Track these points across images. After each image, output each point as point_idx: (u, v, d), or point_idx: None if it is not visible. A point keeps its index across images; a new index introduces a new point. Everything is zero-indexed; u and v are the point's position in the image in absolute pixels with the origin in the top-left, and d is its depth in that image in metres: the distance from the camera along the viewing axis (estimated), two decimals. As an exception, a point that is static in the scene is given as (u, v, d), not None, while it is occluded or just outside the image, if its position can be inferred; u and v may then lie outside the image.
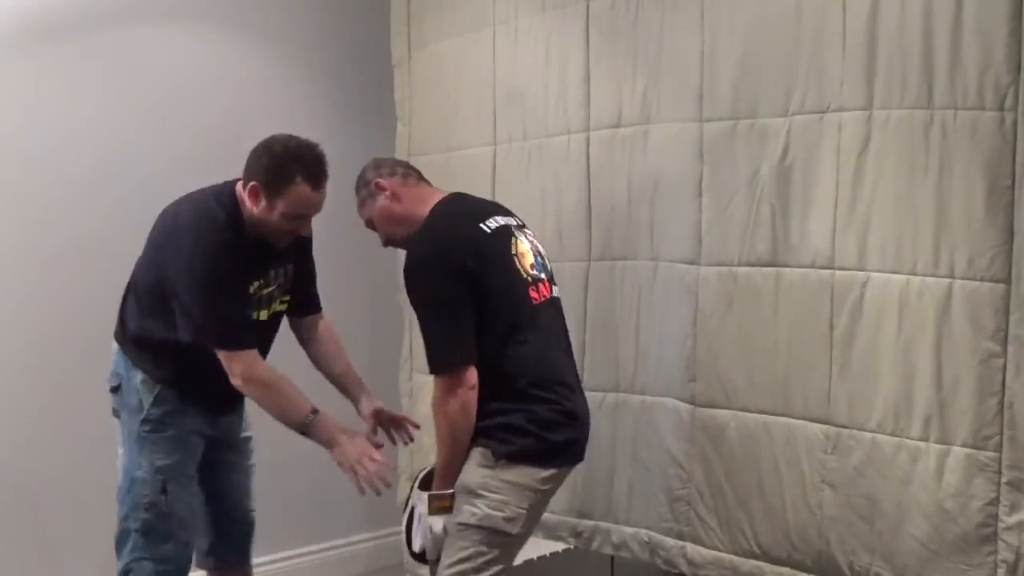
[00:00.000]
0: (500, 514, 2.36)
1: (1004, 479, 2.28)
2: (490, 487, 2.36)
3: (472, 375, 2.36)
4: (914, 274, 2.39)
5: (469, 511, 2.37)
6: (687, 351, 2.84)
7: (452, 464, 2.40)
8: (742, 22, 2.69)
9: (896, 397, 2.43)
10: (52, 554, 3.31)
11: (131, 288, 2.68)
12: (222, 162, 3.55)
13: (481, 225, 2.47)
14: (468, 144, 3.47)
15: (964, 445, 2.33)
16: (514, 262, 2.47)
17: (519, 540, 2.46)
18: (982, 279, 2.29)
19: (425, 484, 2.49)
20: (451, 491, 2.40)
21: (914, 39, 2.36)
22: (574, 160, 3.12)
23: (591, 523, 3.10)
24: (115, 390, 2.67)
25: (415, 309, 2.45)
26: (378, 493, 2.53)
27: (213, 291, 2.48)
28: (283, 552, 3.68)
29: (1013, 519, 2.27)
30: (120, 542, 2.62)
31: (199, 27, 3.57)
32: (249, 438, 2.85)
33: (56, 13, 3.27)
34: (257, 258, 2.60)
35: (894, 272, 2.43)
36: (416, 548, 2.50)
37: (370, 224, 2.64)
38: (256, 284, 2.61)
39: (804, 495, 2.61)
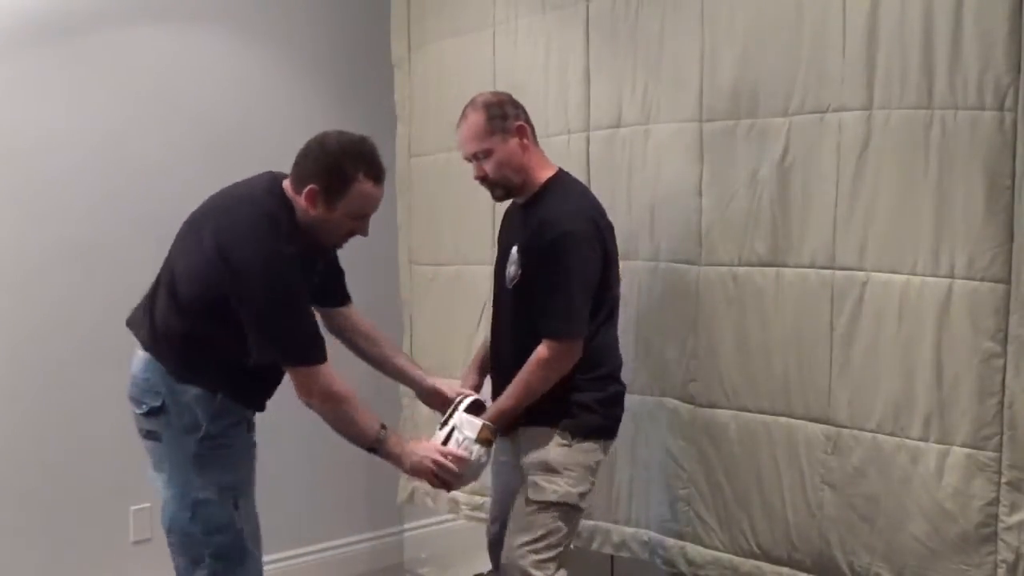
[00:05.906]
0: (576, 490, 2.54)
1: (1004, 479, 2.28)
2: (568, 465, 2.53)
3: (580, 350, 2.51)
4: (914, 274, 2.39)
5: (551, 488, 2.52)
6: (687, 351, 2.84)
7: (518, 409, 2.53)
8: (742, 22, 2.69)
9: (896, 397, 2.43)
10: (48, 553, 3.32)
11: (169, 287, 2.36)
12: (222, 162, 3.57)
13: (608, 217, 2.63)
14: (468, 144, 3.47)
15: (964, 445, 2.33)
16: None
17: (582, 514, 2.64)
18: (982, 279, 2.29)
19: (470, 412, 2.56)
20: (497, 427, 2.53)
21: (914, 39, 2.36)
22: (574, 160, 3.11)
23: (591, 523, 3.09)
24: (155, 411, 2.34)
25: (554, 272, 2.48)
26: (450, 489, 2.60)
27: (289, 309, 2.29)
28: (283, 552, 3.68)
29: (1013, 519, 2.27)
30: (189, 573, 2.38)
31: (198, 27, 3.58)
32: None
33: (53, 13, 3.27)
34: (308, 261, 2.39)
35: (894, 272, 2.43)
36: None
37: (477, 156, 2.56)
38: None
39: (804, 495, 2.61)
